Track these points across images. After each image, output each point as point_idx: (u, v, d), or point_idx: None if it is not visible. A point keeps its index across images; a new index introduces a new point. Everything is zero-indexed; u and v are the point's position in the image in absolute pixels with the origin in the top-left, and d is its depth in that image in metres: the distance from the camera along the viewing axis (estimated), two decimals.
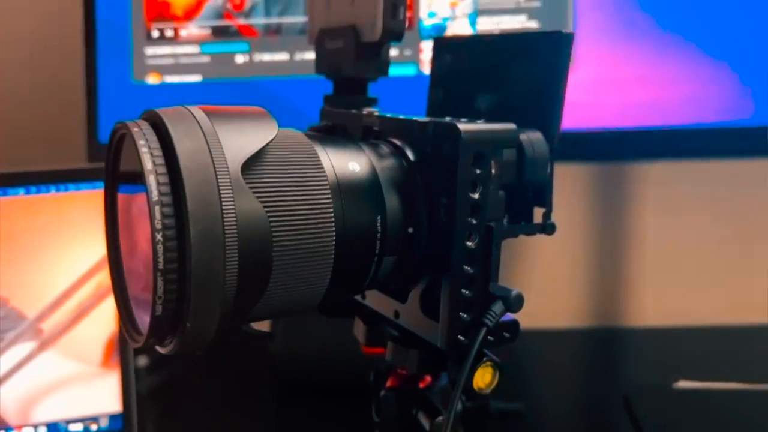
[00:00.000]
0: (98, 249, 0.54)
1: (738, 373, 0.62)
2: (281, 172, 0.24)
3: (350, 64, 0.33)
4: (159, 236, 0.21)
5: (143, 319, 0.26)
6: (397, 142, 0.30)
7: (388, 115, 0.30)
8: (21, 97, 0.70)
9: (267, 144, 0.24)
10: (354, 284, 0.28)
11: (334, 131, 0.33)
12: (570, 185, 0.73)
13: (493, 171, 0.27)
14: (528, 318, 0.67)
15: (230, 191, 0.22)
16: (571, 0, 0.52)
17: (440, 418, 0.30)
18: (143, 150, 0.22)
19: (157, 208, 0.22)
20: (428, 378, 0.33)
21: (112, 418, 0.52)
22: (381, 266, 0.28)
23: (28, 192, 0.54)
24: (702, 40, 0.51)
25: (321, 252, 0.25)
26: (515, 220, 0.30)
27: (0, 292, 0.52)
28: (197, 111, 0.24)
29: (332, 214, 0.25)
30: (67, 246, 0.54)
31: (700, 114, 0.51)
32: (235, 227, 0.22)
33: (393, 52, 0.51)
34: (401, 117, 0.30)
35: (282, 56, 0.55)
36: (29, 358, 0.52)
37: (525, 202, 0.30)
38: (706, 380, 0.60)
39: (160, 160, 0.22)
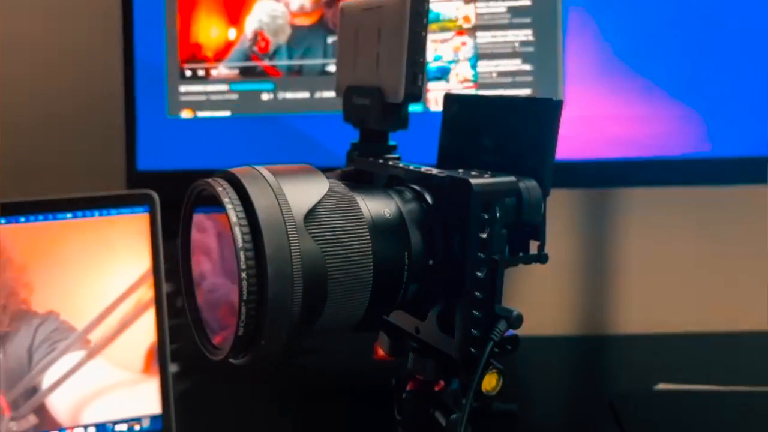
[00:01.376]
0: (137, 268, 0.59)
1: (714, 376, 0.67)
2: (332, 220, 0.31)
3: (376, 120, 0.39)
4: (243, 274, 0.28)
5: (215, 336, 0.32)
6: (417, 188, 0.36)
7: (411, 166, 0.37)
8: (66, 131, 0.76)
9: (322, 197, 0.30)
10: (385, 307, 0.34)
11: (362, 176, 0.39)
12: (560, 208, 0.80)
13: (497, 215, 0.34)
14: (525, 326, 0.73)
15: (296, 238, 0.29)
16: (561, 46, 0.59)
17: (454, 416, 0.36)
18: (228, 207, 0.28)
19: (242, 253, 0.28)
20: (442, 383, 0.39)
21: (153, 419, 0.58)
22: (407, 292, 0.34)
23: (74, 216, 0.59)
24: (671, 86, 0.57)
25: (363, 283, 0.31)
26: (515, 251, 0.36)
27: (52, 307, 0.57)
28: (265, 172, 0.30)
29: (371, 253, 0.32)
30: (110, 265, 0.59)
31: (668, 147, 0.57)
32: (300, 266, 0.29)
33: None
34: (422, 169, 0.36)
35: (303, 94, 0.61)
36: (79, 365, 0.57)
37: (523, 237, 0.37)
38: (684, 383, 0.66)
39: (242, 215, 0.28)
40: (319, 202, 0.30)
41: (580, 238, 0.81)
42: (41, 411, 0.56)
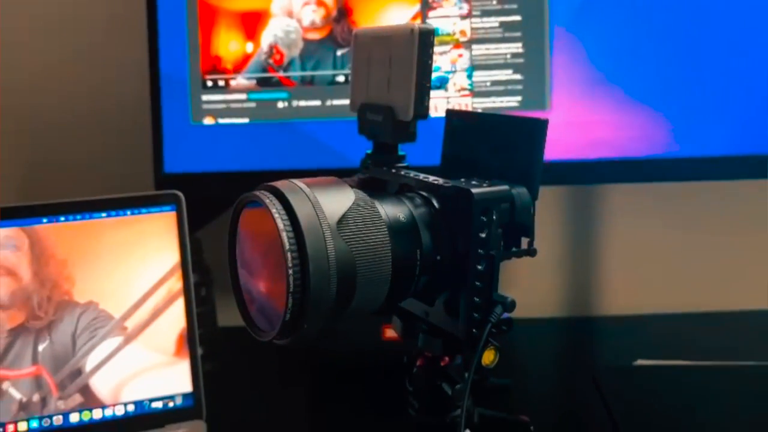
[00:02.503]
0: (167, 261, 0.65)
1: (690, 353, 0.73)
2: (358, 225, 0.37)
3: (387, 135, 0.45)
4: (290, 271, 0.34)
5: (261, 321, 0.38)
6: (425, 194, 0.42)
7: (420, 176, 0.43)
8: (99, 139, 0.82)
9: (350, 207, 0.37)
10: (401, 296, 0.41)
11: (377, 183, 0.45)
12: (550, 203, 0.86)
13: (494, 217, 0.40)
14: (515, 310, 0.80)
15: (331, 240, 0.35)
16: (548, 58, 0.65)
17: (459, 386, 0.43)
18: (276, 215, 0.35)
19: (288, 254, 0.34)
20: (447, 359, 0.46)
21: (185, 396, 0.64)
22: (419, 283, 0.41)
23: (108, 215, 0.64)
24: (644, 94, 0.64)
25: (384, 276, 0.38)
26: (508, 247, 0.43)
27: (91, 298, 0.63)
28: (302, 185, 0.37)
29: (390, 251, 0.38)
30: (142, 259, 0.64)
31: (641, 148, 0.64)
32: (335, 264, 0.35)
33: None
34: (430, 179, 0.42)
35: (315, 102, 0.67)
36: (117, 350, 0.63)
37: (515, 235, 0.43)
38: (662, 359, 0.72)
39: (287, 222, 0.35)
40: (348, 209, 0.37)
41: (568, 229, 0.87)
42: (85, 391, 0.62)
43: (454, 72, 0.66)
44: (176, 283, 0.65)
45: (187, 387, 0.64)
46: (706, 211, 0.85)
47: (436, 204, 0.42)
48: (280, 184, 0.37)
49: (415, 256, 0.40)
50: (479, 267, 0.40)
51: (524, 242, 0.44)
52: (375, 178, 0.46)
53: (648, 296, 0.87)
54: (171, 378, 0.64)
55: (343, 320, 0.37)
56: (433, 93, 0.66)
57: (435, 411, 0.45)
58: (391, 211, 0.40)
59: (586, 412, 0.66)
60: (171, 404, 0.63)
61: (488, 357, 0.42)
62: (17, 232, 0.62)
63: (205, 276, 0.74)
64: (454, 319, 0.41)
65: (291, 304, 0.34)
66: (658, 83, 0.63)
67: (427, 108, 0.44)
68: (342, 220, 0.36)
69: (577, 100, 0.65)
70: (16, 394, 0.60)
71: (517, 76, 0.65)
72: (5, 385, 0.60)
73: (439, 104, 0.66)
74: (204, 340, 0.72)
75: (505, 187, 0.40)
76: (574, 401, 0.69)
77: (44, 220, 0.63)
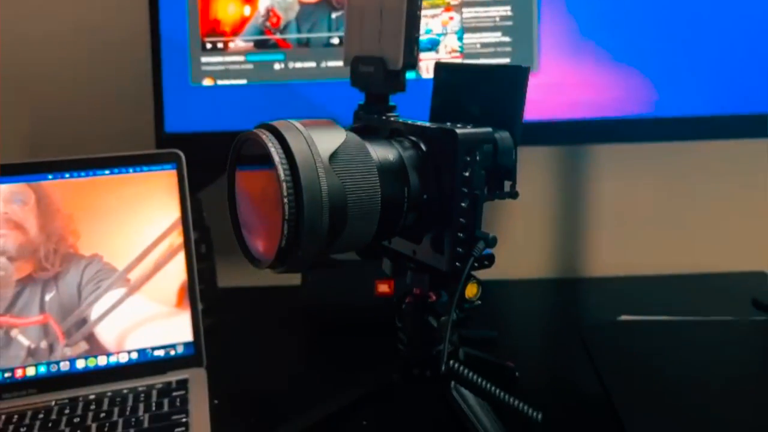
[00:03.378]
0: (168, 217, 0.67)
1: (673, 311, 0.75)
2: (349, 160, 0.40)
3: (379, 85, 0.47)
4: (285, 200, 0.37)
5: (259, 252, 0.41)
6: (414, 138, 0.45)
7: (409, 121, 0.45)
8: (102, 99, 0.84)
9: (341, 144, 0.39)
10: (390, 231, 0.43)
11: (369, 130, 0.48)
12: (538, 165, 0.88)
13: (477, 158, 0.43)
14: (504, 271, 0.84)
15: (324, 173, 0.38)
16: (536, 21, 0.67)
17: (444, 318, 0.46)
18: (272, 150, 0.37)
19: (284, 184, 0.37)
20: (433, 296, 0.48)
21: (186, 345, 0.66)
22: (407, 220, 0.43)
23: (111, 172, 0.67)
24: (629, 56, 0.66)
25: (373, 210, 0.40)
26: (492, 190, 0.45)
27: (96, 251, 0.66)
28: (298, 124, 0.39)
29: (379, 187, 0.41)
30: (144, 215, 0.67)
31: (628, 108, 0.66)
32: (327, 195, 0.37)
33: None
34: (418, 123, 0.45)
35: (310, 64, 0.69)
36: (120, 301, 0.66)
37: (498, 178, 0.45)
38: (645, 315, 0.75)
39: (283, 156, 0.37)
40: (339, 146, 0.39)
41: (556, 192, 0.90)
42: (91, 339, 0.65)
43: (445, 34, 0.68)
44: (177, 238, 0.68)
45: (187, 336, 0.67)
46: (694, 172, 0.87)
47: (423, 147, 0.44)
48: (276, 123, 0.39)
49: (402, 194, 0.42)
50: (463, 204, 0.43)
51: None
52: (367, 126, 0.48)
53: (635, 257, 0.89)
54: (172, 328, 0.66)
55: (334, 252, 0.40)
56: (424, 55, 0.69)
57: (422, 344, 0.48)
58: (381, 151, 0.42)
59: (571, 363, 0.68)
60: (172, 352, 0.66)
61: (471, 290, 0.44)
62: (24, 187, 0.64)
63: (205, 234, 0.77)
64: (440, 254, 0.44)
65: (286, 231, 0.37)
66: (644, 44, 0.65)
67: (416, 58, 0.46)
68: (334, 155, 0.39)
69: (564, 61, 0.67)
70: (25, 341, 0.63)
71: (506, 39, 0.68)
72: (14, 332, 0.63)
73: (430, 66, 0.68)
74: (204, 297, 0.75)
75: (489, 130, 0.43)
76: (560, 354, 0.72)
77: (50, 177, 0.65)
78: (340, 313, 0.73)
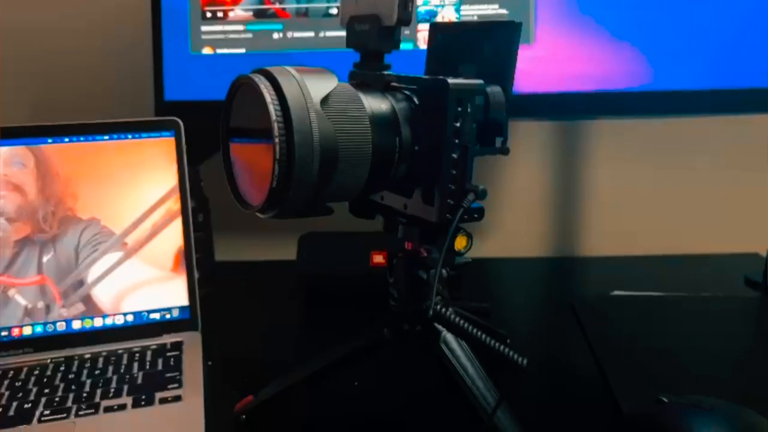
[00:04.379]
0: (166, 183, 0.67)
1: (664, 289, 0.77)
2: (341, 105, 0.40)
3: (374, 42, 0.48)
4: (276, 140, 0.37)
5: (250, 197, 0.41)
6: (407, 92, 0.45)
7: (402, 74, 0.46)
8: (103, 68, 0.85)
9: (333, 89, 0.40)
10: (381, 182, 0.44)
11: (362, 86, 0.49)
12: (533, 142, 0.89)
13: (468, 110, 0.43)
14: (500, 249, 0.85)
15: (315, 115, 0.38)
16: None
17: (433, 271, 0.46)
18: (264, 91, 0.38)
19: (275, 125, 0.37)
20: (424, 251, 0.49)
21: (181, 309, 0.67)
22: (398, 171, 0.44)
23: (111, 138, 0.67)
24: (625, 29, 0.66)
25: (364, 156, 0.41)
26: (483, 145, 0.46)
27: (94, 214, 0.66)
28: (291, 69, 0.40)
29: (370, 133, 0.41)
30: (142, 180, 0.67)
31: (623, 81, 0.67)
32: (318, 137, 0.38)
33: None
34: (411, 75, 0.45)
35: (309, 34, 0.70)
36: (117, 264, 0.66)
37: (490, 133, 0.46)
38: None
39: (275, 97, 0.38)
40: (331, 91, 0.40)
41: (552, 171, 0.91)
42: (87, 300, 0.65)
43: (443, 6, 0.69)
44: (174, 205, 0.68)
45: (183, 301, 0.67)
46: (690, 152, 0.88)
47: (416, 100, 0.45)
48: (270, 68, 0.40)
49: (394, 144, 0.43)
50: (454, 156, 0.43)
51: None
52: (361, 82, 0.49)
53: (629, 237, 0.90)
54: (168, 292, 0.67)
55: (327, 196, 0.41)
56: (422, 26, 0.70)
57: (412, 300, 0.49)
58: (374, 102, 0.43)
59: (563, 335, 0.69)
60: (168, 316, 0.67)
61: (461, 243, 0.45)
62: (24, 150, 0.65)
63: (203, 204, 0.78)
64: (431, 207, 0.44)
65: (278, 171, 0.38)
66: (642, 15, 0.66)
67: (410, 14, 0.47)
68: (326, 99, 0.39)
69: (560, 34, 0.68)
70: (22, 301, 0.64)
71: (503, 11, 0.68)
72: (11, 292, 0.64)
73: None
74: (201, 266, 0.76)
75: (480, 82, 0.44)
76: (552, 327, 0.72)
77: (49, 141, 0.66)
78: (335, 283, 0.74)
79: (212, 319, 0.71)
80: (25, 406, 0.54)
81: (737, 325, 0.69)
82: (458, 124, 0.43)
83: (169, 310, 0.67)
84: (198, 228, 0.75)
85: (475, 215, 0.45)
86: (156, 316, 0.67)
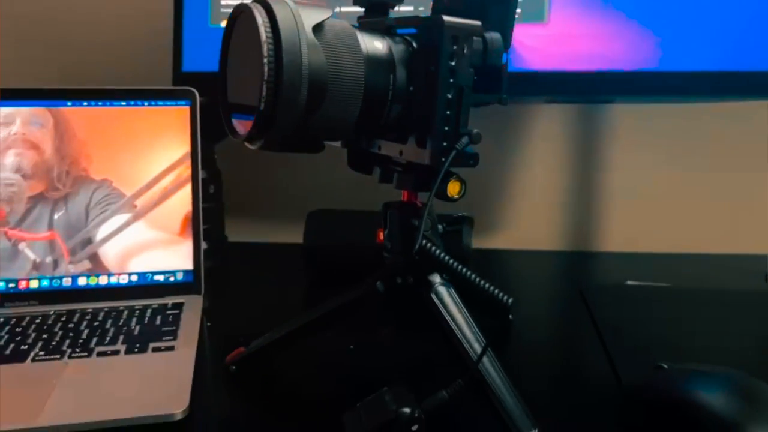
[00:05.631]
0: (178, 150, 0.69)
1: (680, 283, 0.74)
2: (334, 34, 0.40)
3: None
4: (265, 60, 0.38)
5: (242, 126, 0.42)
6: (408, 38, 0.45)
7: (402, 17, 0.46)
8: (125, 39, 0.88)
9: (326, 18, 0.40)
10: (374, 121, 0.44)
11: (362, 28, 0.48)
12: (548, 132, 0.88)
13: (465, 51, 0.43)
14: (516, 241, 0.83)
15: (305, 39, 0.38)
16: None
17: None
18: (257, 15, 0.38)
19: (265, 45, 0.38)
20: (420, 202, 0.48)
21: (186, 272, 0.67)
22: (392, 111, 0.44)
23: (128, 104, 0.69)
24: (641, 7, 0.65)
25: (356, 88, 0.41)
26: (480, 92, 0.45)
27: (106, 176, 0.67)
28: (289, 0, 0.40)
29: (363, 69, 0.41)
30: (155, 145, 0.68)
31: (639, 61, 0.66)
32: (307, 61, 0.38)
33: None
34: (410, 16, 0.45)
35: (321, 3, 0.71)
36: (126, 225, 0.67)
37: (488, 81, 0.45)
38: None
39: (267, 20, 0.38)
40: (325, 20, 0.40)
41: (568, 166, 0.89)
42: (94, 258, 0.66)
43: None
44: (185, 171, 0.69)
45: (188, 265, 0.68)
46: (712, 145, 0.85)
47: (415, 45, 0.45)
48: None
49: (387, 81, 0.43)
50: (448, 95, 0.43)
51: None
52: (362, 25, 0.49)
53: (647, 233, 0.88)
54: (174, 255, 0.68)
55: (315, 126, 0.40)
56: None
57: (405, 250, 0.48)
58: (369, 40, 0.43)
59: (573, 323, 0.67)
60: (172, 278, 0.67)
61: (453, 188, 0.44)
62: (43, 111, 0.67)
63: (215, 176, 0.78)
64: (425, 150, 0.44)
65: (265, 92, 0.38)
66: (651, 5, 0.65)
67: None
68: (319, 27, 0.40)
69: (574, 12, 0.67)
70: (31, 255, 0.65)
71: None
72: (22, 246, 0.65)
73: None
74: (209, 237, 0.76)
75: (477, 23, 0.43)
76: (562, 314, 0.70)
77: (69, 104, 0.68)
78: (341, 258, 0.73)
79: (217, 289, 0.71)
80: (22, 347, 0.55)
81: (752, 317, 0.66)
82: (453, 63, 0.42)
83: (173, 273, 0.67)
84: (209, 199, 0.76)
85: (471, 161, 0.45)
86: (160, 278, 0.67)
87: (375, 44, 0.43)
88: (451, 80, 0.43)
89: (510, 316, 0.63)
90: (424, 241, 0.42)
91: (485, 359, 0.43)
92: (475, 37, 0.43)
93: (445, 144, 0.43)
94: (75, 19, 0.91)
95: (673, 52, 0.66)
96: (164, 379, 0.50)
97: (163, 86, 0.70)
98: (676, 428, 0.42)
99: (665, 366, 0.47)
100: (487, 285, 0.39)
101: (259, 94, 0.38)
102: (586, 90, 0.68)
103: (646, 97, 0.72)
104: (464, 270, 0.41)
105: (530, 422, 0.41)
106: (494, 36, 0.45)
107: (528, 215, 0.90)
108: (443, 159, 0.43)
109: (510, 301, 0.39)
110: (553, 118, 0.88)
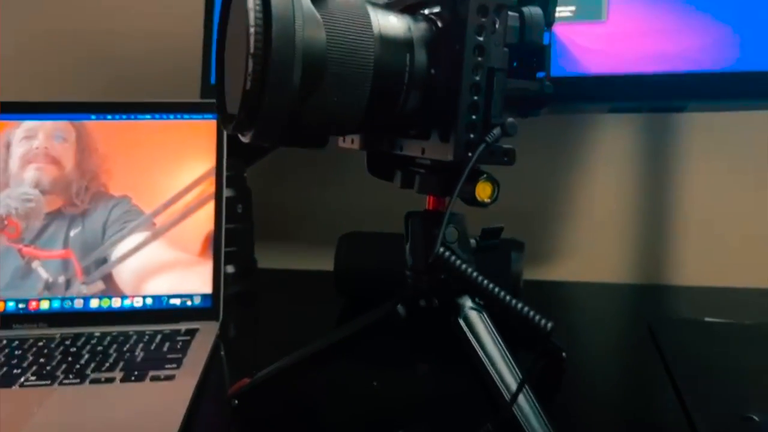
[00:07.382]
0: (203, 166, 0.64)
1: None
2: (338, 9, 0.35)
3: None
4: (252, 30, 0.32)
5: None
6: (432, 17, 0.39)
7: None
8: (154, 52, 0.87)
9: None
10: (386, 107, 0.37)
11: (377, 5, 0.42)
12: (618, 146, 0.78)
13: (497, 26, 0.36)
14: (573, 272, 0.74)
15: (300, 11, 0.33)
16: None
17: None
18: None
19: (252, 12, 0.32)
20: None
21: (204, 297, 0.62)
22: (409, 98, 0.37)
23: (153, 118, 0.65)
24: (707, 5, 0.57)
25: (363, 68, 0.35)
26: (519, 77, 0.38)
27: (126, 192, 0.64)
28: None
29: (372, 47, 0.35)
30: (179, 161, 0.64)
31: (707, 61, 0.57)
32: (302, 33, 0.32)
33: None
34: None
35: None
36: (144, 244, 0.63)
37: (527, 63, 0.38)
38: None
39: None
40: None
41: (636, 191, 0.80)
42: (108, 279, 0.62)
43: None
44: (209, 188, 0.65)
45: (207, 288, 0.62)
46: None
47: (439, 24, 0.38)
48: None
49: (403, 63, 0.37)
50: (476, 78, 0.36)
51: None
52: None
53: (722, 266, 0.77)
54: (192, 278, 0.63)
55: (311, 116, 0.34)
56: None
57: (429, 268, 0.40)
58: (383, 15, 0.37)
59: (639, 363, 0.58)
60: (189, 303, 0.62)
61: (484, 190, 0.37)
62: (66, 125, 0.64)
63: (244, 195, 0.73)
64: (448, 144, 0.37)
65: (251, 68, 0.32)
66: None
67: None
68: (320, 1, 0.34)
69: (637, 7, 0.59)
70: (44, 274, 0.61)
71: None
72: (35, 264, 0.61)
73: None
74: (236, 259, 0.71)
75: None
76: (626, 352, 0.61)
77: (92, 117, 0.65)
78: (372, 281, 0.67)
79: (241, 316, 0.66)
80: (14, 371, 0.50)
81: None
82: (481, 38, 0.35)
83: (190, 296, 0.62)
84: (237, 219, 0.71)
85: (505, 158, 0.37)
86: (176, 301, 0.62)
87: (390, 20, 0.37)
88: (480, 59, 0.36)
89: (564, 354, 0.54)
90: (442, 249, 0.35)
91: (521, 398, 0.34)
92: (510, 12, 0.36)
93: (472, 136, 0.36)
94: (118, 32, 0.91)
95: (754, 50, 0.56)
96: (153, 411, 0.44)
97: (190, 100, 0.66)
98: None
99: (756, 418, 0.37)
100: (520, 306, 0.32)
101: (245, 70, 0.32)
102: (656, 94, 0.59)
103: (726, 101, 0.62)
104: (492, 286, 0.33)
105: None
106: (533, 10, 0.38)
107: (587, 242, 0.81)
108: (470, 154, 0.36)
109: (550, 326, 0.31)
110: (615, 131, 0.79)
